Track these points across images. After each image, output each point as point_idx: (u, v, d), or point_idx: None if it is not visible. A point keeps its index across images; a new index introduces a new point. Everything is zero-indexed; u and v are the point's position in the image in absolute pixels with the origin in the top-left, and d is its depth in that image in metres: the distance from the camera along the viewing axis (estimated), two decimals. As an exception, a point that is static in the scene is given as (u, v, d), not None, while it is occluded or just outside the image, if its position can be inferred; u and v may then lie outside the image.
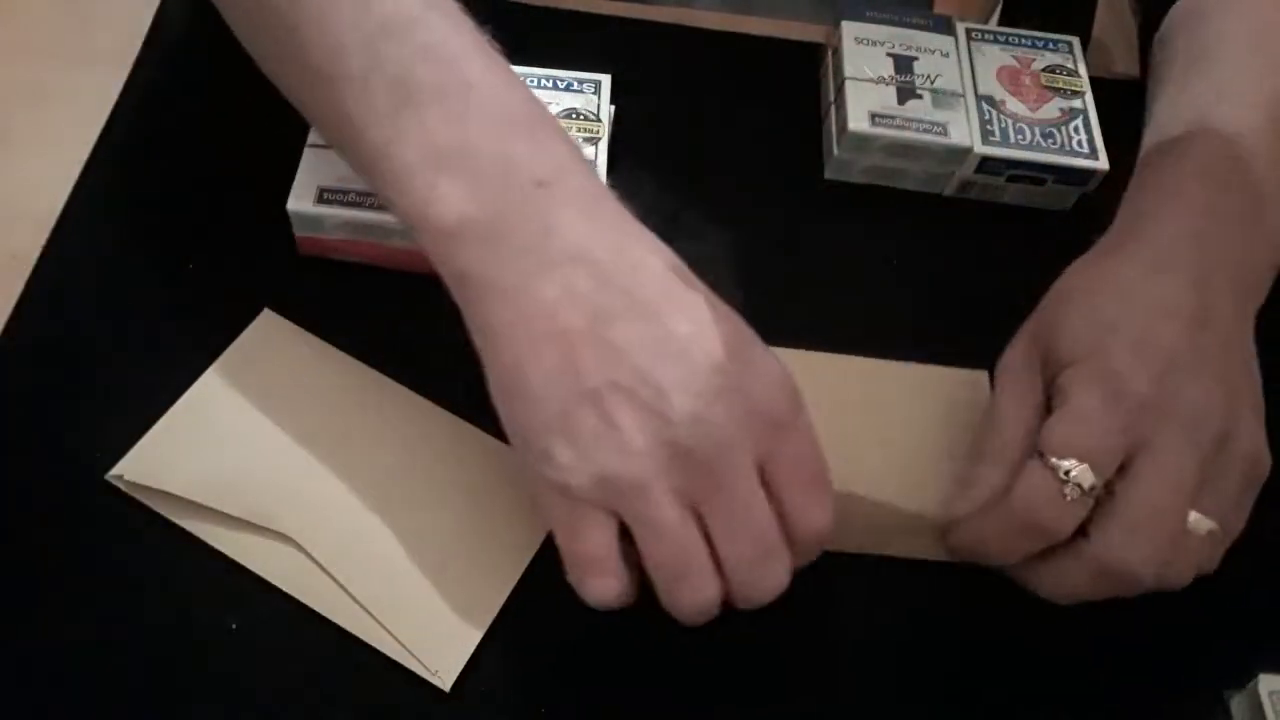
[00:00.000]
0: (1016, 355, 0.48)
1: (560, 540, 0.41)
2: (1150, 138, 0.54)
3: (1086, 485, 0.42)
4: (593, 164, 0.54)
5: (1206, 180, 0.49)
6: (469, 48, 0.42)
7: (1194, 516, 0.43)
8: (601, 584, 0.41)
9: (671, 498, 0.39)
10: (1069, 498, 0.42)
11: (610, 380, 0.38)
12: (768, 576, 0.41)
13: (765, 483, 0.40)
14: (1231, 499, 0.44)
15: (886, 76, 0.59)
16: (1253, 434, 0.44)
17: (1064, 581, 0.44)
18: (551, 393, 0.39)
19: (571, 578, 0.41)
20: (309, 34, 0.43)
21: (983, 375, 0.54)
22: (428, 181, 0.40)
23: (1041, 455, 0.43)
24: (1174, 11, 0.59)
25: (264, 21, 0.45)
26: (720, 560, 0.40)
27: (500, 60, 0.43)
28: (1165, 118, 0.54)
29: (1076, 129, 0.58)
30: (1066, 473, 0.42)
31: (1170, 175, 0.50)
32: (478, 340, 0.41)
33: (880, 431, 0.51)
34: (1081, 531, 0.43)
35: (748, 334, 0.41)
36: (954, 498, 0.47)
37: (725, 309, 0.41)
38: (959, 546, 0.47)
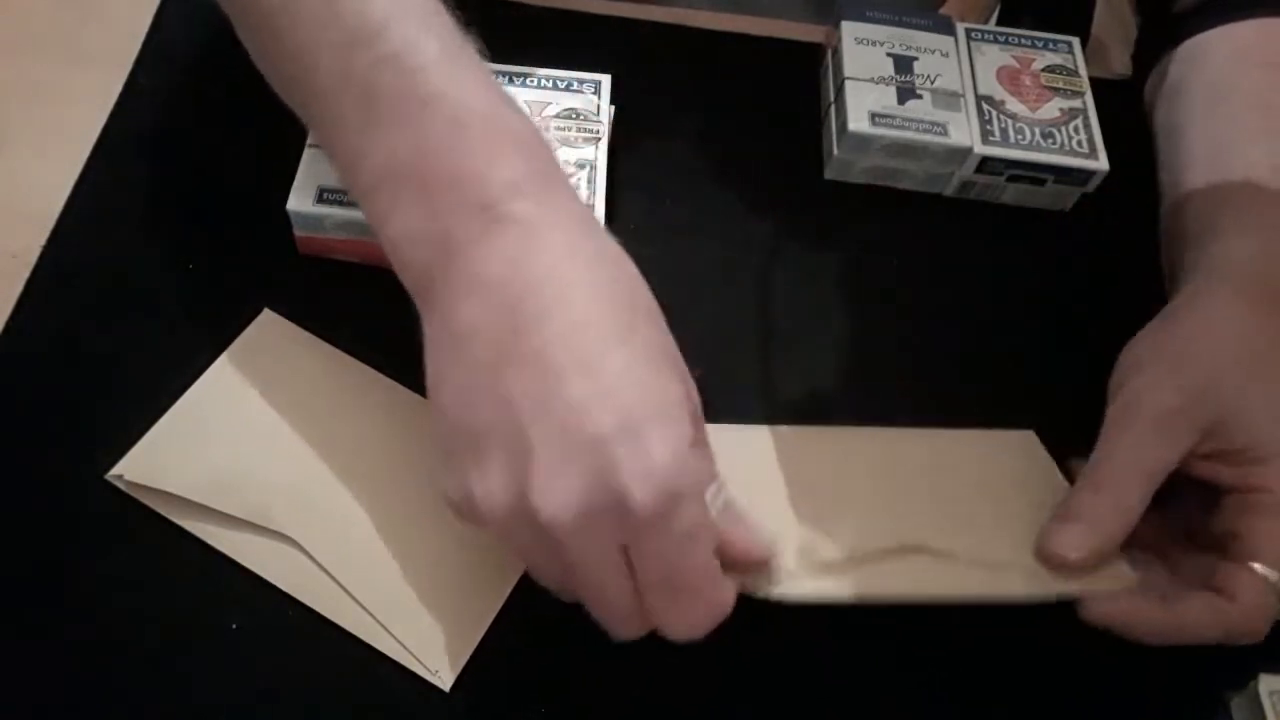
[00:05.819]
0: (1161, 399, 0.45)
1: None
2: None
3: None
4: (591, 170, 0.53)
5: None
6: (436, 57, 0.41)
7: None
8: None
9: (533, 546, 0.39)
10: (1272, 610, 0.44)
11: (491, 426, 0.38)
12: (627, 635, 0.41)
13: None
14: None
15: (886, 76, 0.59)
16: None
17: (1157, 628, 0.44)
18: (449, 415, 0.40)
19: None
20: (287, 43, 0.43)
21: (1031, 435, 0.51)
22: (385, 198, 0.41)
23: (1250, 561, 0.43)
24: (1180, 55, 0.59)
25: (254, 24, 0.45)
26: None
27: (471, 66, 0.42)
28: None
29: (1076, 129, 0.58)
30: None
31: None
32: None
33: (939, 503, 0.48)
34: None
35: (662, 408, 0.38)
36: (1052, 529, 0.45)
37: (655, 374, 0.39)
38: (1112, 618, 0.44)
